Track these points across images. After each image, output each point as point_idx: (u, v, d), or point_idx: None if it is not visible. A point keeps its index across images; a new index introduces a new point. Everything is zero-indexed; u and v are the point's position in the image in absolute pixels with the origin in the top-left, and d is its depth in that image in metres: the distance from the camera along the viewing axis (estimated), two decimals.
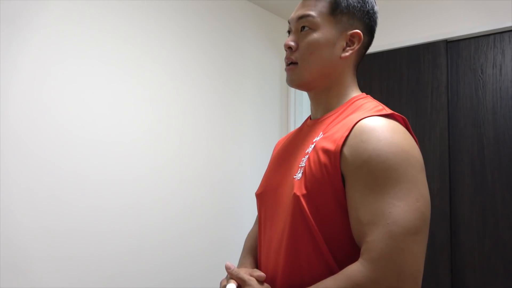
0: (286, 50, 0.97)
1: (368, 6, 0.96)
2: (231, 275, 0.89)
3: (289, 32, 1.00)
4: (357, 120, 0.83)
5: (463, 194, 2.26)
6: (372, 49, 2.88)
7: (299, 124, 2.75)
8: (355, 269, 0.74)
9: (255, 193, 1.05)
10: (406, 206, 0.74)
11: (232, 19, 2.50)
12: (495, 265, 2.13)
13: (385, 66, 2.56)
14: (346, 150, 0.81)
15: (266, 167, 1.11)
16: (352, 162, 0.79)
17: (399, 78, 2.51)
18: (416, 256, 0.74)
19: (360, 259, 0.74)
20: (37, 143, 1.61)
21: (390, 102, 2.52)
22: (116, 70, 1.89)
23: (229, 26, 2.48)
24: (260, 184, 1.05)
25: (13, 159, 1.55)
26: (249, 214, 2.41)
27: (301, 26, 0.95)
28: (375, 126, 0.81)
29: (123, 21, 1.93)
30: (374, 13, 0.97)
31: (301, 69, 0.94)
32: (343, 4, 0.93)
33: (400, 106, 2.47)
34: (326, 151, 0.83)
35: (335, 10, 0.93)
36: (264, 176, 1.06)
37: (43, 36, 1.65)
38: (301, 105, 2.81)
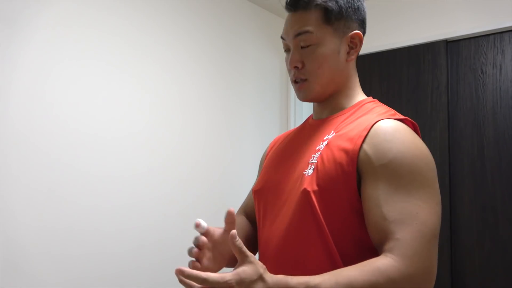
0: (292, 69, 0.95)
1: (356, 1, 0.95)
2: (233, 245, 0.74)
3: (285, 48, 0.97)
4: (375, 121, 0.84)
5: (463, 194, 2.25)
6: (372, 49, 2.89)
7: (299, 124, 2.75)
8: (386, 263, 0.73)
9: (253, 189, 1.04)
10: (430, 209, 0.77)
11: (232, 19, 2.50)
12: (495, 265, 2.13)
13: (385, 66, 2.56)
14: (366, 148, 0.81)
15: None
16: (375, 160, 0.80)
17: (399, 78, 2.51)
18: (436, 257, 0.77)
19: (389, 255, 0.74)
20: (38, 142, 1.61)
21: (390, 102, 2.50)
22: (116, 70, 1.89)
23: (229, 26, 2.48)
24: (258, 180, 1.03)
25: (14, 158, 1.55)
26: None
27: (301, 43, 0.92)
28: (397, 128, 0.84)
29: (123, 21, 1.93)
30: (361, 3, 0.97)
31: (312, 84, 0.93)
32: (335, 10, 0.91)
33: (400, 106, 2.47)
34: (342, 149, 0.83)
35: (330, 19, 0.91)
36: (262, 173, 1.05)
37: (43, 36, 1.65)
38: (301, 105, 2.80)
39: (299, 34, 0.92)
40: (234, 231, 0.74)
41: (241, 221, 1.09)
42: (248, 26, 2.60)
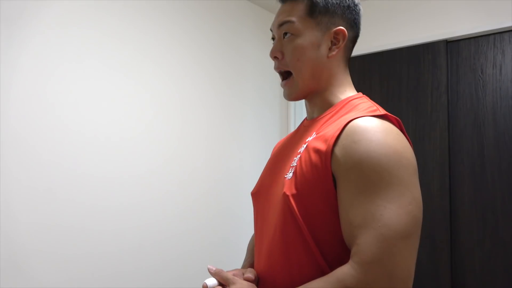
0: (273, 60, 0.97)
1: (348, 0, 0.94)
2: (214, 276, 0.89)
3: (273, 39, 0.99)
4: (349, 120, 0.82)
5: (463, 194, 2.26)
6: (372, 49, 2.88)
7: (299, 124, 2.76)
8: (345, 272, 0.72)
9: (251, 193, 1.05)
10: (398, 209, 0.73)
11: (232, 19, 2.50)
12: (495, 265, 2.13)
13: (385, 66, 2.56)
14: (337, 150, 0.79)
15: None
16: (343, 163, 0.78)
17: (399, 78, 2.51)
18: (407, 260, 0.73)
19: (350, 262, 0.73)
20: (37, 142, 1.61)
21: (390, 102, 2.52)
22: (116, 70, 1.89)
23: (229, 26, 2.48)
24: (256, 183, 1.05)
25: (13, 158, 1.55)
26: (248, 213, 2.40)
27: (283, 33, 0.94)
28: (367, 127, 0.80)
29: (122, 21, 1.93)
30: (355, 5, 0.95)
31: (296, 79, 0.94)
32: (321, 4, 0.91)
33: (400, 106, 2.47)
34: (317, 151, 0.82)
35: (313, 12, 0.92)
36: (260, 176, 1.06)
37: (43, 36, 1.65)
38: (301, 105, 2.80)
39: (282, 24, 0.94)
40: (208, 265, 0.90)
41: None
42: (248, 26, 2.60)
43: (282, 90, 1.02)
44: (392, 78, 2.53)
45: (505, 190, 2.14)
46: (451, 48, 2.37)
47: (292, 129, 2.75)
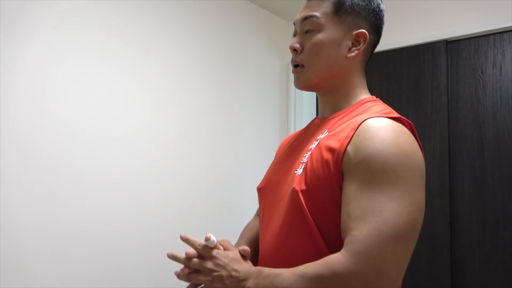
0: (292, 52, 0.97)
1: (374, 4, 0.95)
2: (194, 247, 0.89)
3: (294, 33, 0.99)
4: (363, 120, 0.84)
5: (463, 194, 2.25)
6: None
7: (299, 124, 2.76)
8: (335, 258, 0.74)
9: (257, 188, 1.06)
10: (398, 208, 0.74)
11: (232, 19, 2.50)
12: (495, 265, 2.13)
13: (385, 66, 2.56)
14: (349, 148, 0.81)
15: (268, 166, 1.12)
16: (353, 158, 0.79)
17: (399, 78, 2.51)
18: (398, 259, 0.73)
19: (342, 250, 0.74)
20: (37, 142, 1.61)
21: (390, 102, 2.50)
22: (116, 70, 1.90)
23: (229, 26, 2.48)
24: (263, 179, 1.06)
25: (13, 158, 1.55)
26: (249, 213, 2.41)
27: (306, 27, 0.94)
28: (380, 126, 0.81)
29: (123, 21, 1.93)
30: (380, 11, 0.97)
31: (307, 71, 0.95)
32: (347, 4, 0.93)
33: (400, 106, 2.47)
34: (329, 149, 0.83)
35: (339, 10, 0.93)
36: (267, 172, 1.07)
37: (43, 36, 1.65)
38: (301, 105, 2.80)
39: (306, 18, 0.94)
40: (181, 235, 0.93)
41: (252, 224, 1.17)
42: (248, 26, 2.60)
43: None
44: (392, 78, 2.53)
45: (505, 190, 2.14)
46: (451, 48, 2.37)
47: (292, 129, 2.75)
